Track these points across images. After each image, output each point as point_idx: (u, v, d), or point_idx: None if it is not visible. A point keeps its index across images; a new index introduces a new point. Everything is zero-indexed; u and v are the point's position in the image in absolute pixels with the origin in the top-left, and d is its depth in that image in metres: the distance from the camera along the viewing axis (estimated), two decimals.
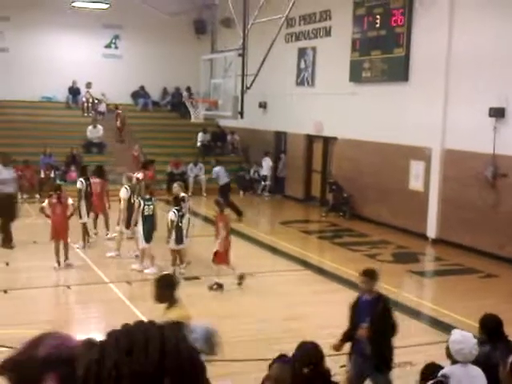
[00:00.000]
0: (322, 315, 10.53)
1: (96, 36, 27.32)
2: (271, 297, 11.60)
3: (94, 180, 15.24)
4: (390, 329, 6.69)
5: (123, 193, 13.94)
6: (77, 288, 11.99)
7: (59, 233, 12.77)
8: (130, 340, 1.27)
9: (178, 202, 12.89)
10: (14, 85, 25.38)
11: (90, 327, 10.03)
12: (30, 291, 11.48)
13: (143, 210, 12.86)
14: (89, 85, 26.95)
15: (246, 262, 13.96)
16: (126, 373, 1.24)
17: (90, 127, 24.67)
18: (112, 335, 1.29)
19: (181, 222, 12.59)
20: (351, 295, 11.73)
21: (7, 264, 13.08)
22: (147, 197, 13.21)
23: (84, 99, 26.99)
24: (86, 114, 26.55)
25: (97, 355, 1.26)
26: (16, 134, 23.71)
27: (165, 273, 6.26)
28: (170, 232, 12.47)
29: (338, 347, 7.00)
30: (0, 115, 24.85)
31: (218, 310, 10.44)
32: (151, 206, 13.02)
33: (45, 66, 26.31)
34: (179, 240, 12.59)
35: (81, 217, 14.53)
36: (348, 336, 6.96)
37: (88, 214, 14.87)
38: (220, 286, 11.85)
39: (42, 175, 21.80)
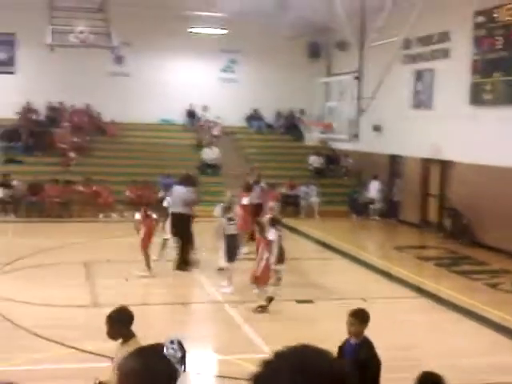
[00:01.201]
0: (439, 345, 10.14)
1: (213, 60, 28.04)
2: (384, 323, 11.30)
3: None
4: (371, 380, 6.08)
5: (216, 211, 14.28)
6: (190, 306, 12.19)
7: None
8: (300, 360, 1.30)
9: (274, 222, 12.87)
10: (135, 108, 26.45)
11: (202, 345, 10.16)
12: (148, 307, 11.79)
13: (224, 229, 13.01)
14: (205, 108, 27.66)
15: (359, 287, 13.76)
16: None
17: (206, 149, 25.27)
18: (282, 356, 1.32)
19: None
20: (470, 325, 11.37)
21: (127, 280, 13.52)
22: (229, 216, 13.31)
23: (200, 122, 27.72)
24: (201, 137, 27.22)
25: (267, 373, 1.28)
26: (136, 155, 24.68)
27: (118, 307, 5.77)
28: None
29: None
30: (122, 137, 26.01)
31: (329, 334, 10.27)
32: (232, 226, 13.13)
33: (163, 89, 27.26)
34: (280, 260, 12.58)
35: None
36: None
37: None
38: (264, 308, 11.56)
39: (161, 195, 22.48)
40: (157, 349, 1.78)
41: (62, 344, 9.35)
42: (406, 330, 10.93)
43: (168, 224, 15.09)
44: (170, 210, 14.98)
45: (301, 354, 1.31)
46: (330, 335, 10.01)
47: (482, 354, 9.94)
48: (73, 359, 8.97)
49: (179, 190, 14.89)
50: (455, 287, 14.00)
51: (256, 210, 16.39)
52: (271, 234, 12.32)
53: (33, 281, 13.45)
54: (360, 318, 6.43)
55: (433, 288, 14.08)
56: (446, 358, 9.29)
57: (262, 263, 11.76)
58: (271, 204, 14.64)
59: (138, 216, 14.21)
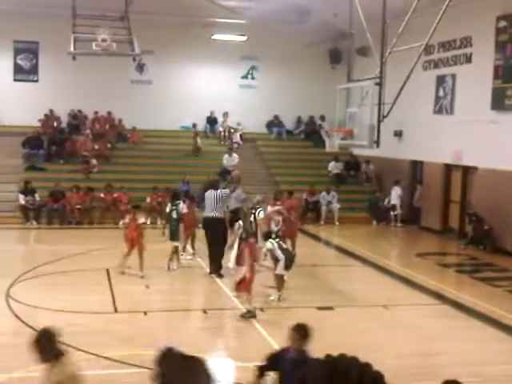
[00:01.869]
0: (460, 352, 10.04)
1: (233, 67, 28.13)
2: (405, 330, 11.23)
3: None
4: None
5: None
6: (211, 313, 12.20)
7: None
8: (332, 367, 1.32)
9: (268, 236, 12.93)
10: (156, 115, 26.61)
11: (221, 352, 10.16)
12: (169, 314, 11.82)
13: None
14: (225, 115, 27.74)
15: (379, 294, 13.68)
16: None
17: (226, 155, 25.33)
18: (315, 362, 1.36)
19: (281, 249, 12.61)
20: (491, 333, 11.25)
21: (147, 287, 13.57)
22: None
23: (221, 128, 27.81)
24: (222, 143, 27.31)
25: (301, 377, 1.32)
26: (158, 162, 24.83)
27: (41, 329, 5.58)
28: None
29: None
30: (143, 144, 26.17)
31: (350, 341, 10.22)
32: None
33: (184, 96, 27.41)
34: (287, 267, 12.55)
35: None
36: None
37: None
38: (251, 314, 11.45)
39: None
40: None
41: (83, 350, 9.39)
42: (426, 337, 10.83)
43: (167, 230, 15.30)
44: (203, 215, 15.11)
45: (334, 362, 1.35)
46: (350, 342, 9.98)
47: (503, 361, 9.82)
48: (93, 366, 9.01)
49: (213, 194, 14.92)
50: (476, 294, 13.86)
51: None
52: (268, 245, 12.49)
53: (54, 287, 13.55)
54: (301, 333, 6.09)
55: (454, 295, 13.97)
56: (466, 365, 9.20)
57: (244, 270, 11.58)
58: (276, 217, 14.69)
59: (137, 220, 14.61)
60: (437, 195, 22.11)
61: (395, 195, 23.45)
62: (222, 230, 14.67)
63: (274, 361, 6.08)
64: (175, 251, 15.21)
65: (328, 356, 1.40)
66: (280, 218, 14.14)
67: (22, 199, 21.50)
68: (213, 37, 26.84)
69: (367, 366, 1.39)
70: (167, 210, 15.64)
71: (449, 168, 21.76)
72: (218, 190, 14.93)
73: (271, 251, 12.71)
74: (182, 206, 15.61)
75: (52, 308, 11.62)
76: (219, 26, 26.35)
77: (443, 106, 21.77)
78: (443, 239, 21.33)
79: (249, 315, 11.48)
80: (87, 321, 11.16)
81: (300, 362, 5.73)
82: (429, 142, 22.00)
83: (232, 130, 27.69)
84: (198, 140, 26.30)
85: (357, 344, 10.17)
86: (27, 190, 21.66)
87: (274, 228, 13.44)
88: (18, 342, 9.92)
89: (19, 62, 26.62)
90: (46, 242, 18.74)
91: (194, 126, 27.01)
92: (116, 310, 11.82)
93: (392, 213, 23.52)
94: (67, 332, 10.19)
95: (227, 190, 15.40)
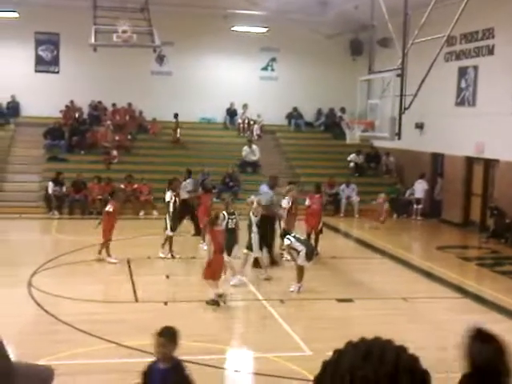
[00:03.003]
0: None
1: (253, 59, 28.08)
2: (426, 324, 11.18)
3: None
4: None
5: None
6: (231, 303, 12.22)
7: None
8: (367, 348, 1.33)
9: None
10: (177, 106, 26.63)
11: (240, 342, 10.18)
12: (188, 304, 11.86)
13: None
14: (245, 106, 27.71)
15: (399, 287, 13.63)
16: (359, 376, 1.30)
17: (246, 147, 25.31)
18: (351, 342, 1.36)
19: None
20: None
21: (167, 277, 13.64)
22: (231, 211, 13.43)
23: (240, 120, 27.80)
24: (242, 135, 27.31)
25: (335, 357, 1.33)
26: (178, 153, 24.89)
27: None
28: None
29: None
30: (163, 136, 26.24)
31: (370, 334, 10.16)
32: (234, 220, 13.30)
33: (204, 88, 27.42)
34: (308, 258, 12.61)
35: (166, 229, 15.31)
36: None
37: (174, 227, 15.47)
38: (213, 302, 11.48)
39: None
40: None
41: (103, 339, 9.46)
42: (447, 330, 10.76)
43: (169, 221, 15.32)
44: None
45: (369, 343, 1.36)
46: (370, 335, 9.92)
47: None
48: (113, 354, 9.08)
49: (266, 191, 15.22)
50: (497, 288, 13.74)
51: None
52: (285, 241, 12.63)
53: (75, 277, 13.66)
54: (169, 336, 5.55)
55: (475, 288, 13.86)
56: None
57: (209, 257, 11.63)
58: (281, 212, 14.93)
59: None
60: (458, 188, 21.94)
61: (421, 189, 23.21)
62: (273, 226, 15.01)
63: (147, 375, 5.59)
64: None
65: (362, 339, 1.39)
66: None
67: (50, 188, 21.68)
68: (233, 28, 26.80)
69: (402, 348, 1.38)
70: (168, 198, 15.64)
71: (470, 161, 21.58)
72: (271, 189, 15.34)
73: (290, 247, 12.70)
74: (170, 195, 15.64)
75: (73, 297, 11.71)
76: (239, 18, 26.30)
77: (465, 97, 21.57)
78: (464, 232, 21.18)
79: (212, 303, 11.47)
80: (108, 310, 11.25)
81: (169, 372, 5.44)
82: (450, 134, 21.81)
83: (251, 122, 27.66)
84: (178, 131, 26.13)
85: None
86: (58, 181, 21.86)
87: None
88: (40, 330, 10.06)
89: (40, 53, 26.78)
90: (67, 232, 18.90)
91: (176, 116, 26.54)
92: (136, 300, 11.88)
93: (415, 206, 23.35)
94: (88, 321, 10.31)
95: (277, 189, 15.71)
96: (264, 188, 15.51)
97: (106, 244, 14.70)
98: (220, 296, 11.50)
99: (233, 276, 12.98)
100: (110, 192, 17.10)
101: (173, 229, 15.36)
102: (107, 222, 14.84)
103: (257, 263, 14.10)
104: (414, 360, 1.36)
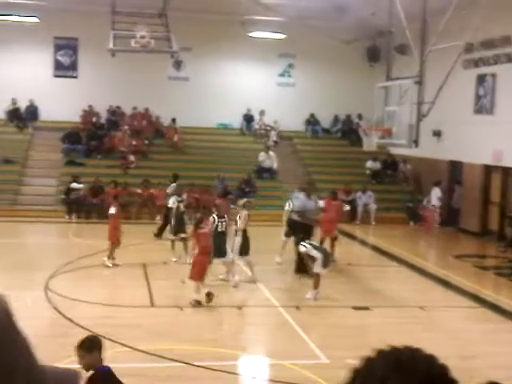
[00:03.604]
0: (498, 355, 9.87)
1: (271, 65, 28.08)
2: (443, 332, 11.09)
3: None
4: None
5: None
6: (246, 310, 12.20)
7: None
8: (398, 357, 1.30)
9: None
10: (193, 112, 26.69)
11: (256, 349, 10.15)
12: (204, 309, 11.85)
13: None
14: (262, 112, 27.72)
15: (416, 295, 13.56)
16: None
17: (263, 153, 25.30)
18: (381, 352, 1.33)
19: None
20: None
21: (183, 282, 13.63)
22: (222, 214, 13.79)
23: (257, 126, 27.80)
24: (258, 141, 27.29)
25: (365, 366, 1.29)
26: (194, 158, 24.93)
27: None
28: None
29: None
30: (180, 141, 26.27)
31: (388, 341, 10.11)
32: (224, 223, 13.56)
33: (221, 94, 27.45)
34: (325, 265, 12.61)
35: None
36: None
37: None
38: (196, 304, 11.80)
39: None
40: None
41: (119, 343, 9.47)
42: (464, 340, 10.69)
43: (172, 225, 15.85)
44: (293, 217, 15.22)
45: (399, 352, 1.33)
46: (386, 343, 9.84)
47: None
48: (129, 358, 9.08)
49: (301, 198, 15.24)
50: None
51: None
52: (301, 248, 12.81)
53: (92, 280, 13.72)
54: (86, 347, 5.52)
55: (492, 298, 13.75)
56: (505, 368, 9.03)
57: (193, 258, 12.14)
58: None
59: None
60: (476, 196, 21.76)
61: (435, 196, 23.08)
62: (310, 234, 14.87)
63: None
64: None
65: (392, 347, 1.37)
66: None
67: (74, 185, 22.03)
68: (250, 34, 26.83)
69: (433, 357, 1.35)
70: (170, 204, 16.25)
71: (488, 169, 21.41)
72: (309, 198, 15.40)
73: (306, 254, 12.67)
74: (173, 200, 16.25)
75: (89, 301, 11.75)
76: (257, 24, 26.33)
77: (483, 105, 21.42)
78: (482, 241, 20.99)
79: (194, 303, 11.77)
80: (123, 314, 11.27)
81: (94, 381, 5.41)
82: (468, 142, 21.66)
83: (268, 128, 27.65)
84: (175, 137, 26.15)
85: (394, 345, 10.07)
86: (78, 181, 22.30)
87: None
88: (56, 333, 10.09)
89: (59, 58, 26.97)
90: (84, 235, 18.97)
91: (174, 120, 26.73)
92: (152, 304, 11.90)
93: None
94: (104, 324, 10.32)
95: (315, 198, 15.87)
96: (299, 195, 15.39)
97: (112, 246, 14.88)
98: (207, 296, 11.82)
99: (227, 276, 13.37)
100: (114, 195, 17.39)
101: (175, 233, 15.78)
102: (111, 224, 15.15)
103: (300, 269, 14.07)
104: (445, 369, 1.33)
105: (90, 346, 5.53)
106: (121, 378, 8.57)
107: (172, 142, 25.97)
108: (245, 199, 15.44)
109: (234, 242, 13.74)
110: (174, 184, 19.34)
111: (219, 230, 13.35)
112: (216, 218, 13.45)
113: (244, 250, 13.79)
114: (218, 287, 13.46)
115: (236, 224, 13.96)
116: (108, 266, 14.69)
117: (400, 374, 1.26)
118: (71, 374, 1.50)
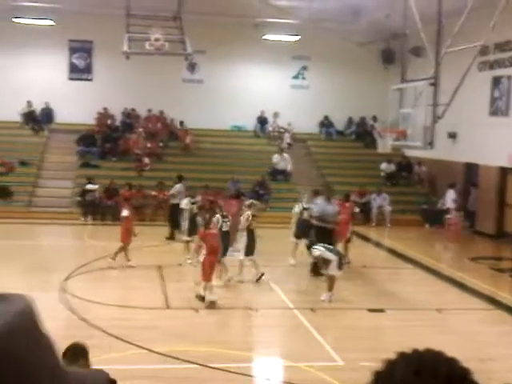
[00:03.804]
0: None
1: (285, 67, 28.08)
2: (459, 335, 11.03)
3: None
4: None
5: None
6: (261, 312, 12.19)
7: None
8: (419, 360, 1.29)
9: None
10: (208, 114, 26.77)
11: (271, 351, 10.15)
12: (219, 312, 11.87)
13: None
14: (276, 115, 27.73)
15: (431, 298, 13.49)
16: None
17: (276, 155, 25.31)
18: (403, 355, 1.33)
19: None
20: None
21: (196, 284, 13.64)
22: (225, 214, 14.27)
23: (271, 128, 27.81)
24: (272, 143, 27.30)
25: (385, 370, 1.29)
26: (208, 160, 24.96)
27: None
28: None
29: None
30: (195, 143, 26.33)
31: (402, 345, 10.07)
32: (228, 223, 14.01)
33: (235, 96, 27.50)
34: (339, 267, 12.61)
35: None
36: None
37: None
38: (202, 299, 11.97)
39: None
40: None
41: (135, 345, 9.51)
42: (480, 342, 10.62)
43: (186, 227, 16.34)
44: (314, 222, 15.20)
45: (421, 355, 1.32)
46: (401, 345, 9.81)
47: None
48: (145, 360, 9.12)
49: (323, 204, 15.17)
50: None
51: None
52: (315, 252, 12.79)
53: (107, 282, 13.79)
54: (69, 355, 5.19)
55: (508, 300, 13.66)
56: None
57: (202, 258, 12.30)
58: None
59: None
60: (491, 199, 21.64)
61: (449, 199, 22.94)
62: (331, 239, 14.75)
63: None
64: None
65: (414, 350, 1.37)
66: None
67: (89, 186, 22.22)
68: (264, 37, 26.85)
69: (454, 360, 1.35)
70: (184, 205, 16.83)
71: (504, 171, 21.29)
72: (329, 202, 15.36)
73: (320, 257, 12.66)
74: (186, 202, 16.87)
75: (105, 302, 11.80)
76: (270, 26, 26.34)
77: (498, 107, 21.31)
78: (497, 244, 20.87)
79: (199, 299, 11.99)
80: (139, 316, 11.31)
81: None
82: (483, 144, 21.54)
83: (282, 130, 27.65)
84: (187, 138, 26.22)
85: (406, 347, 10.02)
86: (93, 184, 22.47)
87: None
88: (72, 335, 10.13)
89: (74, 60, 27.14)
90: (99, 237, 19.06)
91: (181, 123, 26.92)
92: (168, 306, 11.93)
93: (446, 216, 23.05)
94: (119, 326, 10.37)
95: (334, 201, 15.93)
96: (317, 200, 15.35)
97: (124, 248, 14.97)
98: (210, 300, 11.90)
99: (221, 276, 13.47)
100: (126, 197, 17.51)
101: (190, 234, 16.03)
102: (123, 226, 15.23)
103: (316, 270, 14.06)
104: (467, 372, 1.33)
105: (74, 354, 5.27)
106: (138, 380, 8.63)
107: (184, 144, 26.05)
108: (251, 200, 15.67)
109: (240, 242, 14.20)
110: (178, 185, 19.53)
111: (224, 229, 13.70)
112: (220, 217, 13.79)
113: (249, 250, 13.90)
114: (232, 289, 13.50)
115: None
116: (114, 267, 14.75)
117: (421, 377, 1.26)
118: (97, 375, 1.51)
